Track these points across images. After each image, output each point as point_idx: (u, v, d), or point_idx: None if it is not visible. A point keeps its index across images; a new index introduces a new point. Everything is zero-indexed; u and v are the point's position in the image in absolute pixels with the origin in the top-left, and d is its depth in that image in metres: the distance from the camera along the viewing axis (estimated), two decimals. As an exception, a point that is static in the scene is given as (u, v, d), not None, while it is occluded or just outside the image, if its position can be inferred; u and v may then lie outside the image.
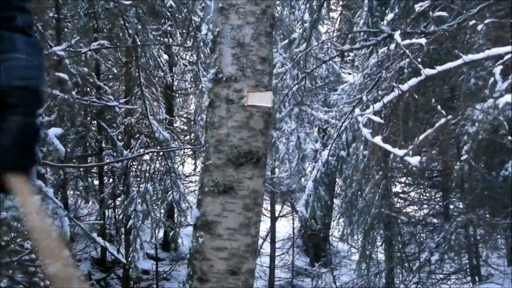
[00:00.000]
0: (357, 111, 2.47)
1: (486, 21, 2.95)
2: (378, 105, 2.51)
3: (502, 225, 5.65)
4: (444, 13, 2.97)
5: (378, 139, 2.00)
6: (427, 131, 1.87)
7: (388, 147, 1.95)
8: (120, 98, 8.14)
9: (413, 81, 2.32)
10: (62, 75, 4.48)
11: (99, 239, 4.05)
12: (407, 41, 2.35)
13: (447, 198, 6.99)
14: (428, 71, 2.20)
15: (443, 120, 1.94)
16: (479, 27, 2.96)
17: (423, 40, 2.26)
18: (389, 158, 5.14)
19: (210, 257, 2.24)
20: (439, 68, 2.25)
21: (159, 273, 8.86)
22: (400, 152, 1.87)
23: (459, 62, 2.26)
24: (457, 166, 3.72)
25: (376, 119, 2.20)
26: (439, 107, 2.15)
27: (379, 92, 4.62)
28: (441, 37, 3.67)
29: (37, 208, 0.98)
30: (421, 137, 1.87)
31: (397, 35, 2.40)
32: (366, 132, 2.08)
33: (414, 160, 1.84)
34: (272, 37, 2.33)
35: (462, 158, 3.50)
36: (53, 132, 3.50)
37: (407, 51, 2.45)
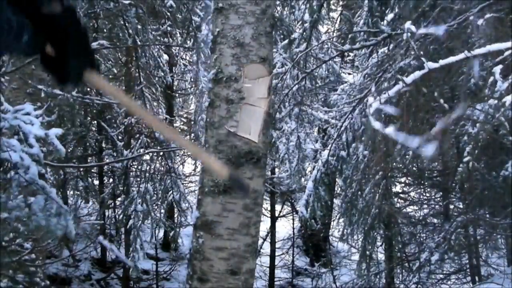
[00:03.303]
0: (371, 99, 2.42)
1: (486, 16, 2.94)
2: (383, 97, 2.49)
3: (502, 225, 5.65)
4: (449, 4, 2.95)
5: (391, 130, 1.95)
6: (440, 124, 1.83)
7: (401, 137, 1.90)
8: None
9: (417, 73, 2.31)
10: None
11: (101, 239, 4.07)
12: (423, 30, 2.34)
13: (447, 198, 6.98)
14: (431, 65, 2.20)
15: (457, 111, 1.92)
16: (480, 21, 2.95)
17: (442, 28, 2.24)
18: (389, 158, 5.14)
19: (210, 257, 2.24)
20: (442, 62, 2.25)
21: (159, 273, 8.85)
22: (414, 143, 1.84)
23: (461, 56, 2.25)
24: (460, 168, 3.71)
25: (389, 109, 2.18)
26: (444, 104, 2.15)
27: (383, 87, 4.62)
28: (441, 36, 3.67)
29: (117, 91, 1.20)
30: (433, 130, 1.83)
31: (408, 24, 2.38)
32: (377, 124, 2.04)
33: (430, 150, 1.78)
34: (272, 37, 2.33)
35: (465, 160, 3.50)
36: (54, 132, 3.50)
37: (412, 42, 2.44)
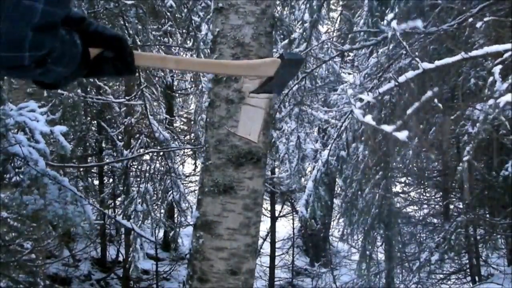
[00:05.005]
0: (350, 91, 2.45)
1: (486, 19, 2.94)
2: (371, 96, 2.50)
3: (502, 225, 5.66)
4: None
5: (369, 118, 1.99)
6: (415, 105, 1.86)
7: (376, 125, 1.94)
8: (120, 98, 8.15)
9: (411, 73, 2.32)
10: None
11: (119, 219, 4.08)
12: (404, 25, 2.34)
13: (447, 198, 6.99)
14: (426, 65, 2.20)
15: (429, 93, 1.94)
16: (479, 24, 2.95)
17: (419, 23, 2.26)
18: (390, 158, 5.14)
19: (210, 257, 2.24)
20: (438, 63, 2.25)
21: (159, 273, 8.85)
22: (389, 128, 1.87)
23: (457, 57, 2.26)
24: (459, 167, 3.71)
25: (369, 98, 2.19)
26: (436, 100, 2.15)
27: (379, 90, 4.62)
28: (441, 36, 3.67)
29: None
30: (409, 111, 1.87)
31: (394, 23, 2.39)
32: (357, 112, 2.07)
33: (402, 135, 1.83)
34: (272, 37, 2.33)
35: (464, 159, 3.49)
36: (59, 129, 3.52)
37: (404, 42, 2.44)
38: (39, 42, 0.78)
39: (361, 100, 2.36)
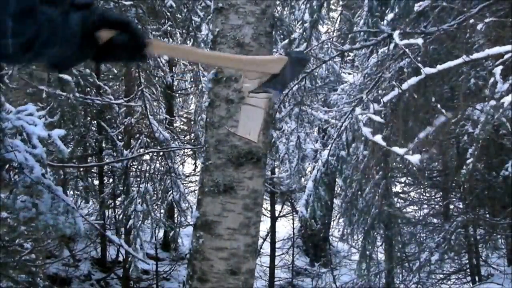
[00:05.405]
0: (358, 110, 2.47)
1: (486, 20, 2.94)
2: (378, 105, 2.51)
3: (502, 225, 5.65)
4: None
5: (378, 138, 2.00)
6: (427, 130, 1.87)
7: (388, 146, 1.94)
8: (120, 98, 8.14)
9: (413, 80, 2.33)
10: (65, 76, 4.48)
11: (110, 235, 4.09)
12: (405, 41, 2.35)
13: (447, 198, 6.98)
14: (428, 70, 2.20)
15: (443, 119, 1.94)
16: (479, 26, 2.95)
17: (420, 41, 2.26)
18: (389, 158, 5.14)
19: (210, 257, 2.24)
20: (439, 67, 2.25)
21: (159, 273, 8.85)
22: (400, 151, 1.87)
23: (459, 61, 2.26)
24: (463, 170, 3.70)
25: (376, 118, 2.20)
26: (439, 106, 2.15)
27: (379, 91, 4.62)
28: (441, 37, 3.67)
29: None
30: (421, 135, 1.87)
31: (396, 34, 2.40)
32: (366, 131, 2.08)
33: (415, 159, 1.83)
34: (272, 37, 2.33)
35: (468, 161, 3.49)
36: (56, 133, 3.52)
37: (407, 50, 2.45)
38: (20, 28, 0.77)
39: (367, 112, 2.37)
